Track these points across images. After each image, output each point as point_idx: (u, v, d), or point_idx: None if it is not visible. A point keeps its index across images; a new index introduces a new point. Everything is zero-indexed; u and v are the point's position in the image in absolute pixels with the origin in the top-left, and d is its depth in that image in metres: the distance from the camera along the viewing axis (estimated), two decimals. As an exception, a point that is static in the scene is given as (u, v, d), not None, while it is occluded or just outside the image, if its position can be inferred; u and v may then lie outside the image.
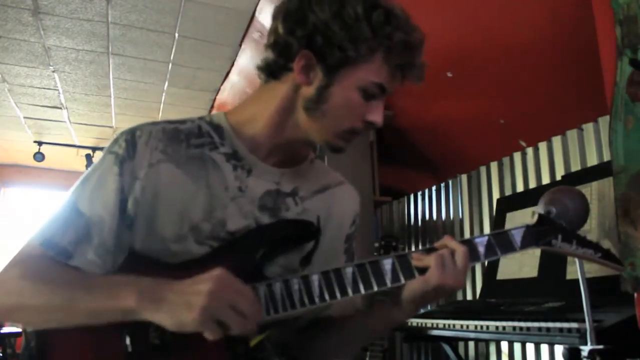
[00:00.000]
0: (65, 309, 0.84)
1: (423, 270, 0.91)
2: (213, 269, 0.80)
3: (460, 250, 0.91)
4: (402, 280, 0.90)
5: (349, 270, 0.90)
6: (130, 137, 0.94)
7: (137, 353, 0.86)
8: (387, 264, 0.91)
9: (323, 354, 1.09)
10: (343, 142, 0.98)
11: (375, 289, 0.89)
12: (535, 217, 1.00)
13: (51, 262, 0.88)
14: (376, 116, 0.96)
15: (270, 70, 0.97)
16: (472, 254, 0.94)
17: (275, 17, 0.96)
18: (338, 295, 0.88)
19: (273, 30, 0.96)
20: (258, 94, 1.02)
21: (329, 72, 0.92)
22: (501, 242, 0.96)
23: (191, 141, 0.97)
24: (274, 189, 1.00)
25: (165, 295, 0.79)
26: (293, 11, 0.93)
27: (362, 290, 0.89)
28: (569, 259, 1.81)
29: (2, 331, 4.86)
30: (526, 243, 0.96)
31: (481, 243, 0.95)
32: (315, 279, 0.89)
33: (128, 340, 0.86)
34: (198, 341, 0.82)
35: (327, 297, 0.88)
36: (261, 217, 0.98)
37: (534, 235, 0.97)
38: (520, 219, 2.24)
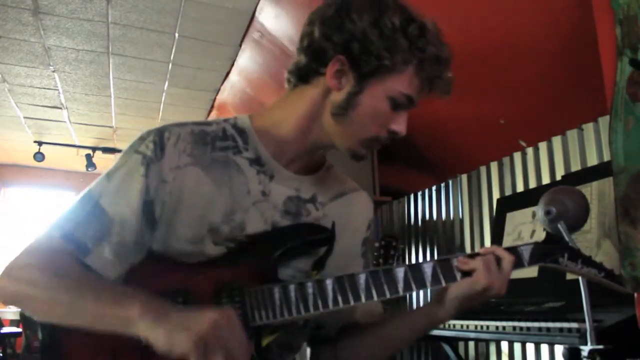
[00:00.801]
0: (69, 307, 0.85)
1: (467, 274, 0.94)
2: (223, 309, 0.80)
3: (508, 258, 0.95)
4: (414, 289, 0.92)
5: (362, 277, 0.91)
6: (159, 139, 0.95)
7: (149, 349, 0.84)
8: (399, 272, 0.92)
9: (366, 358, 1.10)
10: (365, 149, 1.00)
11: (388, 295, 0.91)
12: (544, 234, 1.03)
13: (67, 257, 0.89)
14: (401, 126, 0.98)
15: (301, 74, 0.99)
16: None
17: (310, 22, 0.98)
18: (351, 300, 0.89)
19: (308, 34, 0.97)
20: (285, 98, 1.03)
21: (361, 79, 0.94)
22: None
23: (217, 144, 0.98)
24: (295, 195, 1.02)
25: (169, 314, 0.78)
26: (330, 17, 0.95)
27: (375, 297, 0.90)
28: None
29: (2, 331, 4.87)
30: (534, 260, 1.00)
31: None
32: (329, 283, 0.90)
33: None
34: None
35: (340, 301, 0.89)
36: (282, 222, 0.99)
37: (541, 253, 1.00)
38: (520, 219, 2.24)
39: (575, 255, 1.02)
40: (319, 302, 0.89)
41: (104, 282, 0.89)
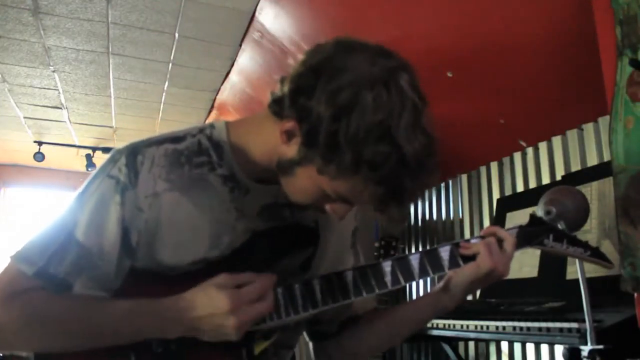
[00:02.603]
0: (85, 347, 0.85)
1: (469, 258, 0.94)
2: (216, 290, 0.83)
3: (509, 239, 0.95)
4: (402, 283, 0.92)
5: (349, 274, 0.91)
6: (132, 163, 0.88)
7: None
8: (386, 266, 0.92)
9: (374, 348, 1.11)
10: (306, 207, 0.91)
11: (377, 291, 0.91)
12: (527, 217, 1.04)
13: (52, 295, 0.85)
14: (336, 213, 0.87)
15: (272, 108, 0.88)
16: None
17: (302, 61, 0.84)
18: (340, 299, 0.90)
19: (292, 73, 0.84)
20: (262, 120, 0.92)
21: (303, 154, 0.81)
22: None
23: (193, 161, 0.92)
24: (272, 202, 0.96)
25: (197, 331, 0.84)
26: (307, 75, 0.81)
27: (364, 293, 0.90)
28: (569, 258, 1.82)
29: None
30: (520, 243, 0.99)
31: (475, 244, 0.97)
32: (316, 283, 0.90)
33: (131, 349, 0.86)
34: (201, 350, 0.85)
35: (329, 301, 0.89)
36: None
37: (526, 235, 1.00)
38: (520, 219, 2.24)
39: (561, 235, 1.02)
40: (308, 304, 0.89)
41: (105, 306, 0.87)
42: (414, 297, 3.41)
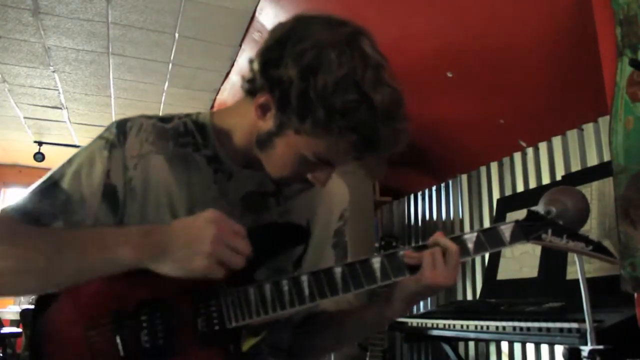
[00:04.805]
0: (50, 269, 0.83)
1: (415, 268, 0.91)
2: (206, 212, 0.82)
3: (453, 249, 0.92)
4: (392, 278, 0.91)
5: (338, 270, 0.91)
6: (121, 127, 0.95)
7: (129, 357, 0.86)
8: (375, 262, 0.92)
9: (320, 349, 1.11)
10: (289, 182, 0.96)
11: (365, 287, 0.90)
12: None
13: (24, 224, 0.87)
14: (318, 179, 0.91)
15: (245, 87, 0.95)
16: (462, 250, 0.94)
17: (269, 37, 0.89)
18: (328, 294, 0.89)
19: (260, 48, 0.89)
20: (240, 105, 0.98)
21: (280, 124, 0.87)
22: (490, 237, 0.97)
23: (178, 140, 0.97)
24: (257, 190, 0.99)
25: (166, 247, 0.81)
26: (273, 47, 0.86)
27: (352, 289, 0.90)
28: (569, 258, 1.82)
29: (2, 331, 4.86)
30: (515, 238, 0.97)
31: (470, 239, 0.96)
32: (304, 279, 0.90)
33: (120, 345, 0.86)
34: (189, 345, 0.85)
35: (317, 297, 0.89)
36: (242, 219, 0.95)
37: (523, 230, 0.97)
38: (520, 219, 2.25)
39: (560, 230, 0.98)
40: (295, 299, 0.89)
41: (75, 230, 0.87)
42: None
